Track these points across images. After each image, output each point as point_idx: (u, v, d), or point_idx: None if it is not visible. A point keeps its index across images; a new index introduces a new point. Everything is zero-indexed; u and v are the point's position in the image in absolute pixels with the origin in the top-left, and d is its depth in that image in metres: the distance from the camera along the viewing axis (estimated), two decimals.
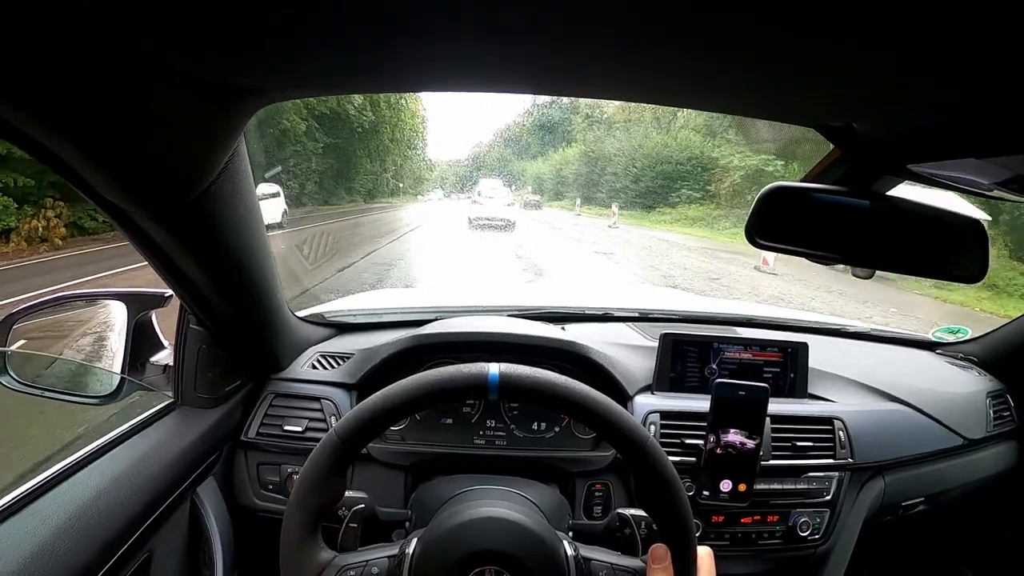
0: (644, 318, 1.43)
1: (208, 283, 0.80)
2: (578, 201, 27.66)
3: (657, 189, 23.24)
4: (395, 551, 0.64)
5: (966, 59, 0.39)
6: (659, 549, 0.61)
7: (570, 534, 0.75)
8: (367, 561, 0.62)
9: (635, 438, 0.60)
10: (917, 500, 1.25)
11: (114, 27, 0.39)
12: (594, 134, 33.75)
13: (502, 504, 0.69)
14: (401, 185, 33.32)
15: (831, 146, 0.68)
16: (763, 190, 0.65)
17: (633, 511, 0.72)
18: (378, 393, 0.61)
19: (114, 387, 0.99)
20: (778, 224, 0.65)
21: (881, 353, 1.50)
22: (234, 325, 0.93)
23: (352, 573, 0.61)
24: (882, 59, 0.41)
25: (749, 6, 0.34)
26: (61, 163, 0.53)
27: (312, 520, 0.61)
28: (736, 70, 0.48)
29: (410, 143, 34.53)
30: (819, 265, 0.74)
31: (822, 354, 1.25)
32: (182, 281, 0.79)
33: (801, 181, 0.70)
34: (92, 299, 1.06)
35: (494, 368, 0.60)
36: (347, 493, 0.68)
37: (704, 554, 0.63)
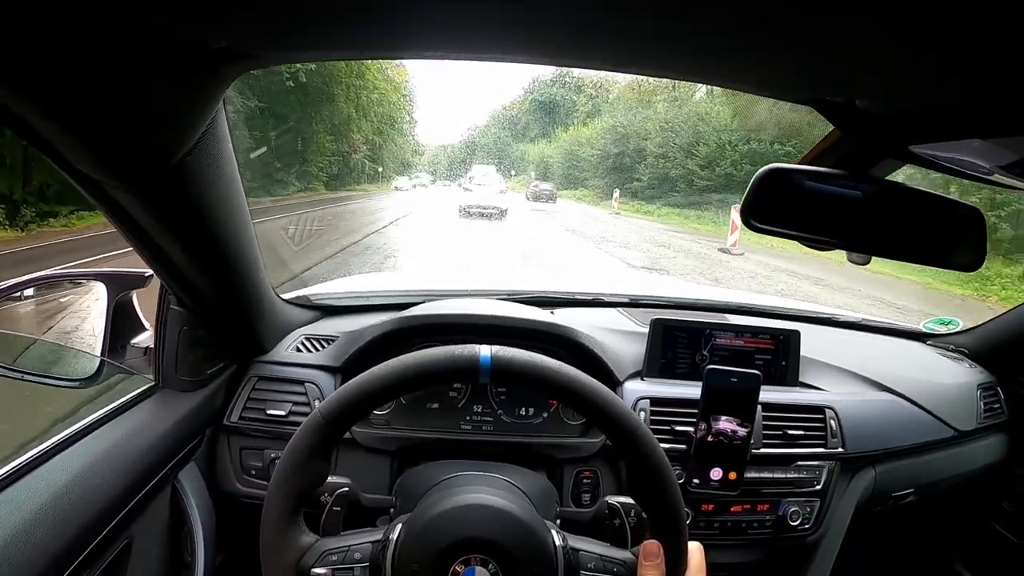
0: (634, 304, 1.41)
1: (187, 260, 0.78)
2: (616, 193, 20.60)
3: (744, 178, 17.47)
4: (379, 536, 0.62)
5: (977, 32, 0.37)
6: (651, 545, 0.60)
7: (558, 522, 0.73)
8: (349, 546, 0.61)
9: (626, 425, 0.59)
10: (907, 491, 1.25)
11: None
12: (625, 105, 29.51)
13: (489, 491, 0.68)
14: (380, 169, 28.62)
15: (829, 129, 0.67)
16: (759, 172, 0.63)
17: (622, 499, 0.71)
18: (365, 373, 0.60)
19: (94, 370, 0.97)
20: (774, 207, 0.64)
21: (872, 343, 1.49)
22: (216, 305, 0.91)
23: (334, 557, 0.60)
24: (889, 29, 0.40)
25: None
26: (29, 128, 0.50)
27: (294, 502, 0.59)
28: (729, 37, 0.46)
29: (391, 119, 29.50)
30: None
31: (814, 343, 1.25)
32: (161, 258, 0.77)
33: (799, 163, 0.69)
34: (72, 280, 1.03)
35: (485, 351, 0.59)
36: (330, 479, 0.67)
37: (694, 549, 0.62)
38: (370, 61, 18.20)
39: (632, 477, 0.61)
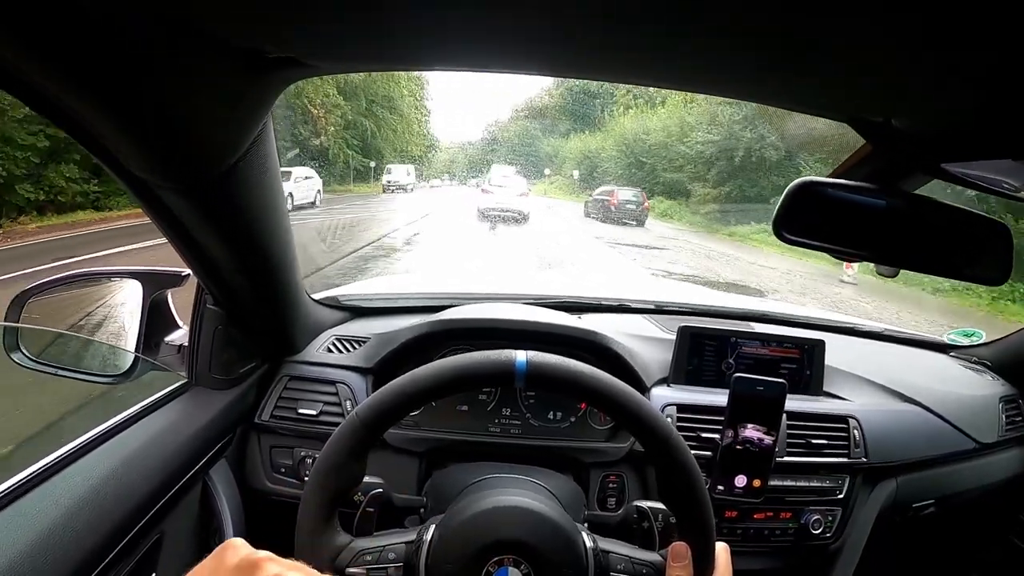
0: (660, 310, 1.42)
1: (228, 261, 0.80)
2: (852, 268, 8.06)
3: None
4: (412, 537, 0.63)
5: (1017, 55, 0.38)
6: (680, 547, 0.61)
7: (585, 525, 0.74)
8: (384, 546, 0.62)
9: (660, 431, 0.60)
10: (928, 502, 1.24)
11: None
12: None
13: (522, 493, 0.69)
14: (373, 165, 20.60)
15: (860, 143, 0.68)
16: (792, 184, 0.65)
17: (651, 504, 0.72)
18: (404, 376, 0.61)
19: (128, 366, 0.99)
20: (806, 219, 0.65)
21: (895, 353, 1.49)
22: (252, 306, 0.92)
23: (368, 557, 0.60)
24: (928, 51, 0.40)
25: None
26: (88, 135, 0.52)
27: (330, 503, 0.60)
28: (771, 58, 0.47)
29: (387, 99, 22.03)
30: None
31: (837, 352, 1.25)
32: (201, 258, 0.79)
33: (829, 176, 0.70)
34: (108, 277, 1.05)
35: (521, 356, 0.60)
36: (365, 479, 0.68)
37: (721, 550, 0.63)
38: None
39: (663, 481, 0.62)
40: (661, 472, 0.62)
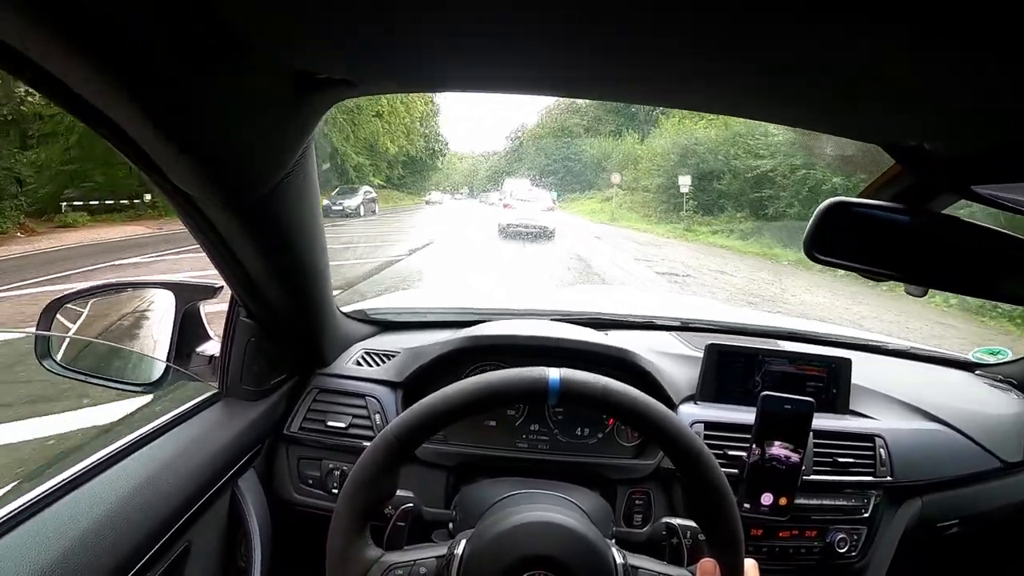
0: (687, 327, 1.42)
1: (265, 274, 0.81)
2: None
3: None
4: (443, 552, 0.63)
5: None
6: (708, 564, 0.61)
7: (613, 541, 0.74)
8: (415, 560, 0.62)
9: (691, 449, 0.60)
10: (953, 521, 1.23)
11: (207, 7, 0.39)
12: None
13: (552, 508, 0.69)
14: (357, 177, 19.20)
15: (889, 163, 0.68)
16: (822, 205, 0.65)
17: (680, 520, 0.72)
18: (436, 393, 0.61)
19: (159, 375, 1.00)
20: (836, 239, 0.65)
21: (921, 372, 1.48)
22: (284, 318, 0.93)
23: (400, 572, 0.61)
24: (966, 80, 0.41)
25: (824, 29, 0.34)
26: (138, 149, 0.53)
27: (361, 517, 0.61)
28: (809, 88, 0.48)
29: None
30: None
31: (863, 370, 1.24)
32: (237, 272, 0.79)
33: (859, 196, 0.70)
34: (142, 287, 1.07)
35: (555, 373, 0.60)
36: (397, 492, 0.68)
37: (751, 567, 0.63)
38: None
39: (693, 498, 0.62)
40: (691, 489, 0.62)
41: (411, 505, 0.71)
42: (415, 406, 0.61)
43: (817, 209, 0.65)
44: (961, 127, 0.54)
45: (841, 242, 0.65)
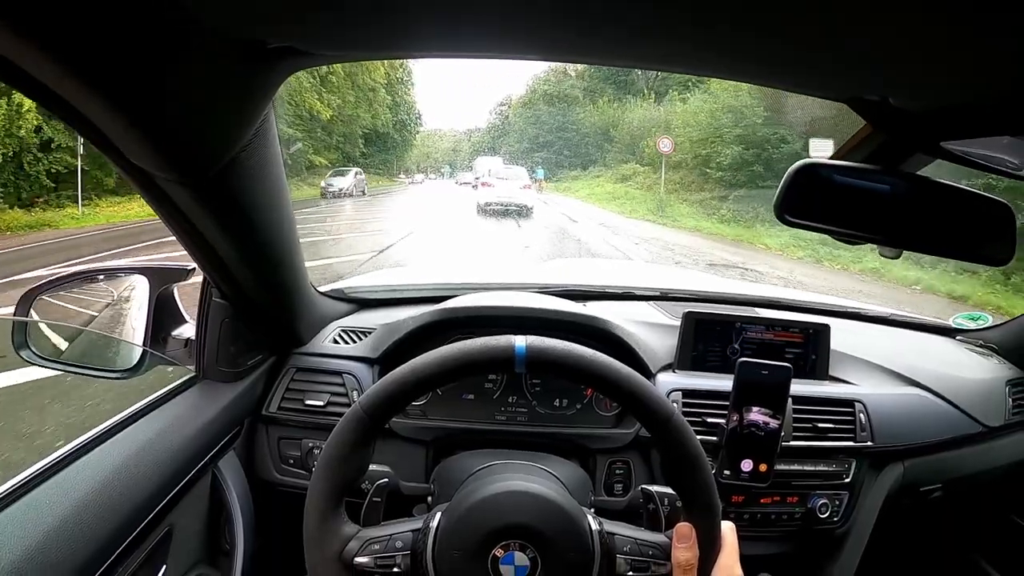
0: (665, 297, 1.42)
1: (233, 253, 0.80)
2: None
3: None
4: (419, 525, 0.64)
5: (1012, 30, 0.38)
6: (684, 528, 0.61)
7: (592, 511, 0.75)
8: (391, 535, 0.62)
9: (661, 412, 0.60)
10: (935, 486, 1.24)
11: None
12: None
13: (527, 478, 0.69)
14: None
15: (861, 124, 0.67)
16: (793, 166, 0.65)
17: (657, 488, 0.72)
18: (404, 365, 0.61)
19: (136, 360, 0.99)
20: (807, 201, 0.65)
21: (901, 338, 1.49)
22: (258, 298, 0.92)
23: (376, 547, 0.61)
24: (925, 27, 0.40)
25: None
26: (90, 126, 0.52)
27: (336, 494, 0.61)
28: (769, 39, 0.47)
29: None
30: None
31: (842, 337, 1.24)
32: (206, 251, 0.79)
33: (831, 158, 0.70)
34: (114, 273, 1.06)
35: (521, 340, 0.60)
36: (372, 467, 0.68)
37: (727, 529, 0.63)
38: None
39: (666, 462, 0.62)
40: (664, 452, 0.62)
41: (387, 480, 0.71)
42: (384, 379, 0.61)
43: (788, 171, 0.65)
44: (923, 80, 0.54)
45: (812, 204, 0.65)
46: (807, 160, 0.65)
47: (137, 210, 10.95)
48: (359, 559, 0.60)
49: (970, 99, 0.54)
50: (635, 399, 0.60)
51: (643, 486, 0.73)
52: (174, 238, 0.77)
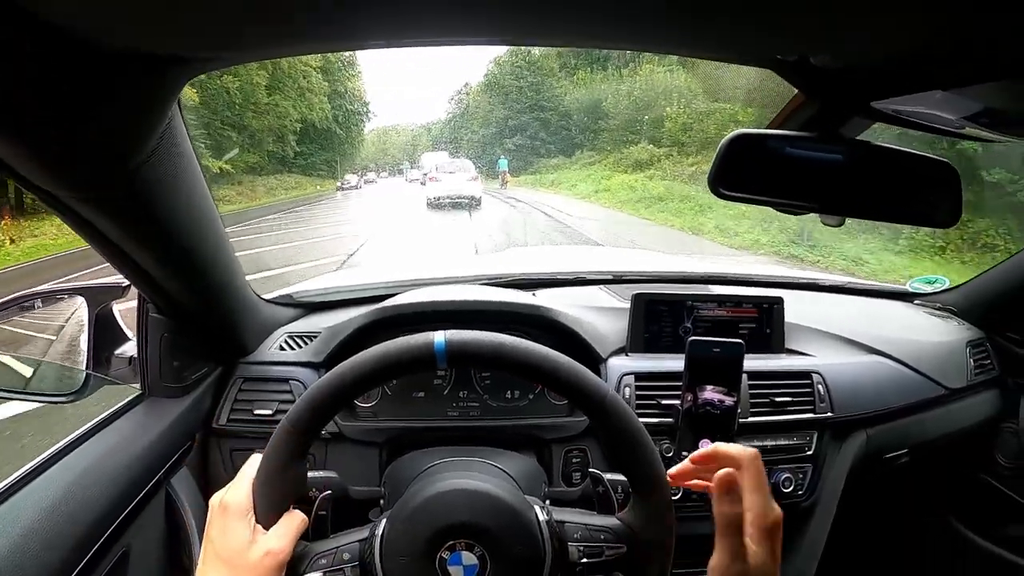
0: (617, 280, 1.41)
1: (159, 267, 0.78)
2: None
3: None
4: (366, 534, 0.62)
5: None
6: (724, 476, 0.56)
7: (547, 502, 0.74)
8: (338, 547, 0.61)
9: (595, 394, 0.59)
10: (900, 452, 1.25)
11: None
12: None
13: (467, 475, 0.68)
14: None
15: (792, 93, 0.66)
16: (725, 138, 0.63)
17: (609, 475, 0.71)
18: (325, 376, 0.60)
19: (80, 384, 0.97)
20: (743, 173, 0.63)
21: (858, 305, 1.49)
22: (194, 310, 0.91)
23: (323, 561, 0.60)
24: None
25: None
26: None
27: (277, 512, 0.60)
28: (678, 3, 0.46)
29: None
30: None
31: (798, 308, 1.25)
32: (132, 266, 0.77)
33: (767, 128, 0.69)
34: (51, 297, 1.03)
35: (439, 336, 0.59)
36: (317, 474, 0.67)
37: (751, 457, 0.58)
38: None
39: (607, 444, 0.62)
40: (604, 434, 0.61)
41: (330, 492, 0.69)
42: (307, 391, 0.60)
43: (720, 143, 0.64)
44: (838, 35, 0.53)
45: (747, 176, 0.63)
46: (740, 131, 0.63)
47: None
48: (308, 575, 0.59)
49: (891, 53, 0.53)
50: (567, 384, 0.59)
51: (591, 470, 0.72)
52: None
